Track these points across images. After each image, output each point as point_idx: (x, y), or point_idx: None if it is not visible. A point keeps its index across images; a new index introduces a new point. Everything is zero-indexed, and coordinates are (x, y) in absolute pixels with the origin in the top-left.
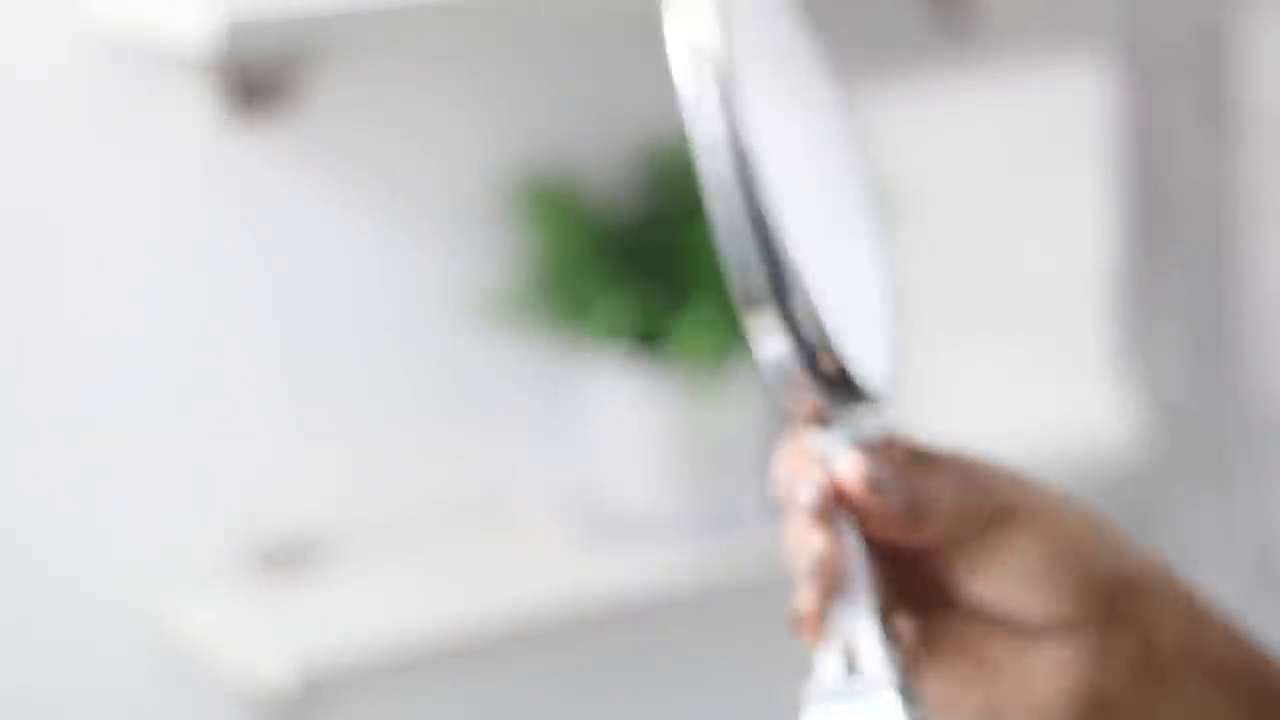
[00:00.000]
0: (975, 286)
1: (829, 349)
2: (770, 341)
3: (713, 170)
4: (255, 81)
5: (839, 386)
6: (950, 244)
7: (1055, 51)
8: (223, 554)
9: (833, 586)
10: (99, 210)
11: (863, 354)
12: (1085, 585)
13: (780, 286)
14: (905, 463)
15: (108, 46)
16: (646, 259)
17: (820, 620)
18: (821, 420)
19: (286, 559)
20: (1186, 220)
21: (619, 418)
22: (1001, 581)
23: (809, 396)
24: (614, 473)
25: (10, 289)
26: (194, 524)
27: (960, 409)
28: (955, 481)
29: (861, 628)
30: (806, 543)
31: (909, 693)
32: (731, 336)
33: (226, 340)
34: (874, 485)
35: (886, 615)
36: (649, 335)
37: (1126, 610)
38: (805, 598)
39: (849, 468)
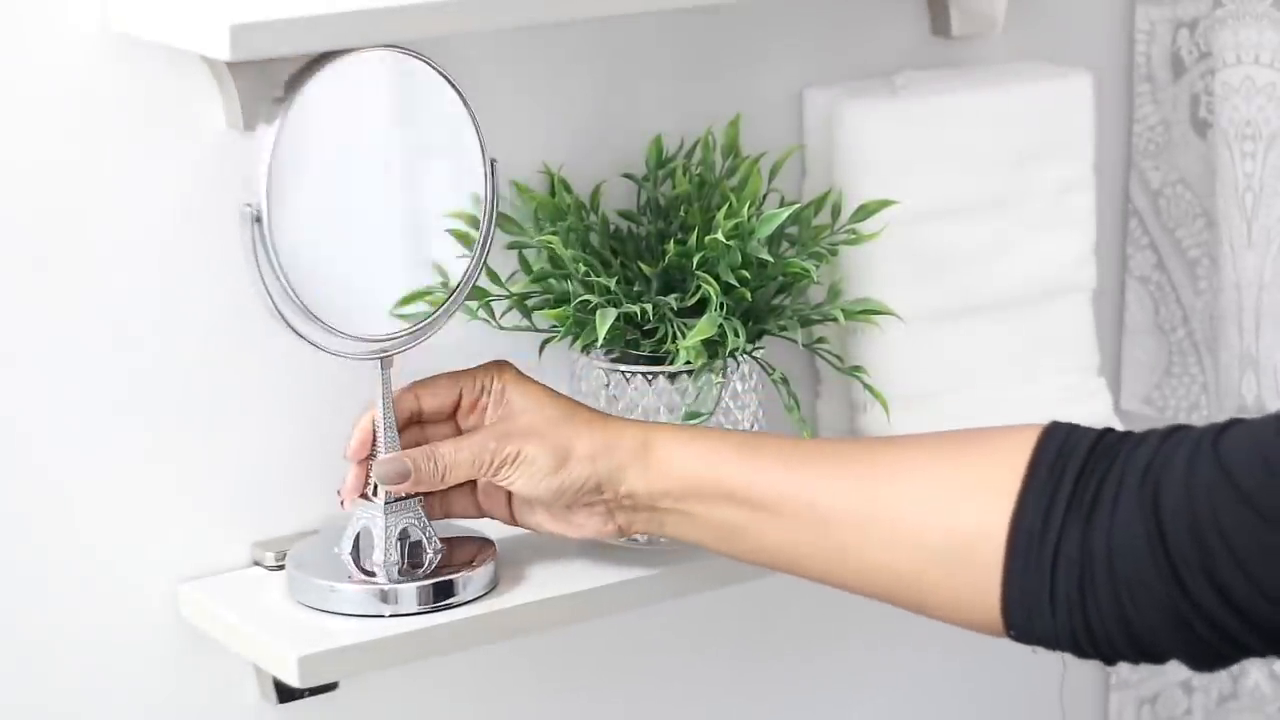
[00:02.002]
0: (970, 286)
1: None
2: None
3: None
4: (270, 82)
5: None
6: (942, 244)
7: (1051, 54)
8: (231, 546)
9: (357, 491)
10: (112, 208)
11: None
12: (570, 489)
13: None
14: (420, 455)
15: (125, 44)
16: (647, 259)
17: (352, 500)
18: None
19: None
20: (1176, 221)
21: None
22: (523, 490)
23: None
24: None
25: (24, 284)
26: (202, 517)
27: (953, 406)
28: (460, 461)
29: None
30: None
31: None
32: (732, 338)
33: (236, 337)
34: (387, 479)
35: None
36: (649, 336)
37: (610, 486)
38: (345, 495)
39: (376, 471)
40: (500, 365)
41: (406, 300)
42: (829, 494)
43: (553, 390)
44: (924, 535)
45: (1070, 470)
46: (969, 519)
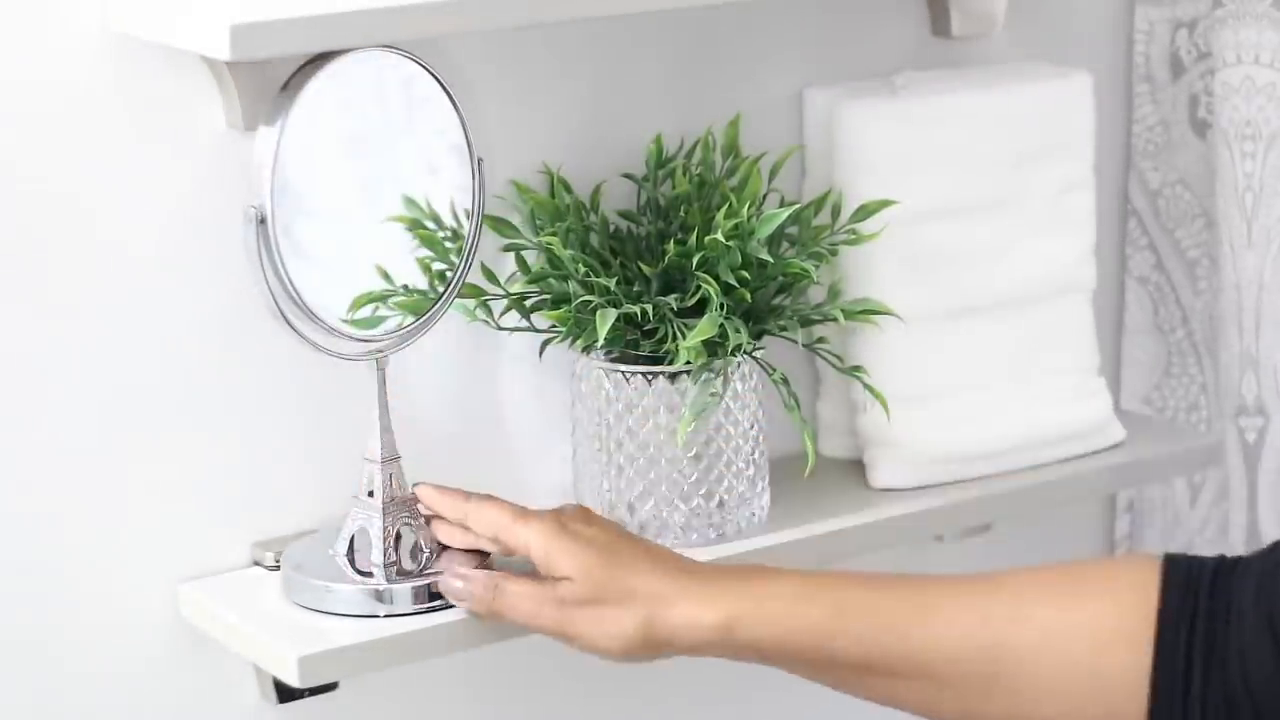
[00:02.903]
0: (970, 286)
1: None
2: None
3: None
4: (270, 82)
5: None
6: (942, 244)
7: (1051, 54)
8: (231, 546)
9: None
10: (112, 208)
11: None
12: (631, 646)
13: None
14: (484, 583)
15: (125, 44)
16: (647, 260)
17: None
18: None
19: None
20: (1175, 221)
21: (617, 419)
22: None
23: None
24: (615, 475)
25: (24, 284)
26: (202, 517)
27: (953, 406)
28: (520, 612)
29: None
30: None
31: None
32: (734, 334)
33: (236, 337)
34: (445, 594)
35: None
36: (649, 336)
37: (669, 647)
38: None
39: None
40: (550, 525)
41: (358, 303)
42: (947, 654)
43: (613, 548)
44: (1057, 687)
45: (1200, 614)
46: (1107, 670)
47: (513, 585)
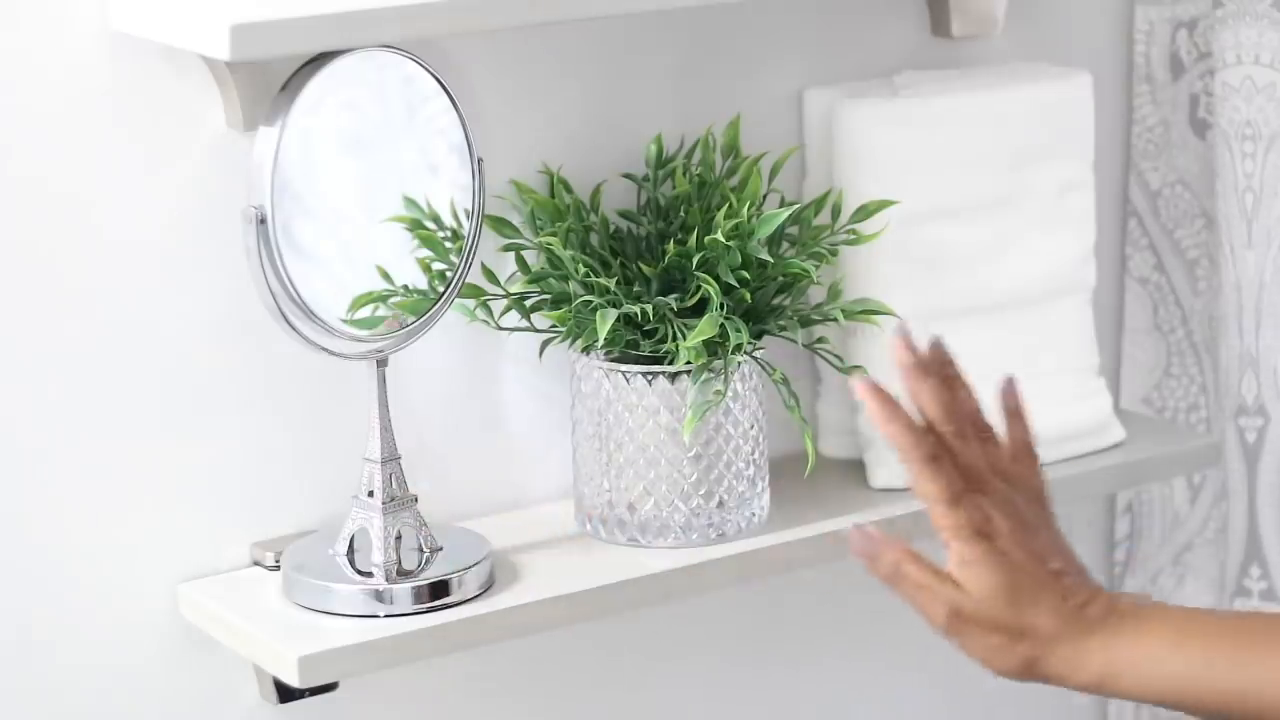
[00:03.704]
0: (970, 286)
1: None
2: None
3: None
4: (270, 82)
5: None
6: (942, 245)
7: (1051, 54)
8: (231, 546)
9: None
10: (112, 208)
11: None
12: (1008, 674)
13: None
14: (891, 561)
15: (125, 44)
16: (647, 260)
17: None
18: None
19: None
20: (1175, 221)
21: (617, 419)
22: None
23: None
24: (615, 475)
25: (23, 284)
26: (202, 517)
27: None
28: (922, 610)
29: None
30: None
31: None
32: (734, 334)
33: (236, 336)
34: (853, 547)
35: None
36: (649, 336)
37: (1044, 682)
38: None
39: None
40: (971, 528)
41: (358, 303)
42: None
43: (1019, 581)
44: None
45: None
46: None
47: (914, 572)
